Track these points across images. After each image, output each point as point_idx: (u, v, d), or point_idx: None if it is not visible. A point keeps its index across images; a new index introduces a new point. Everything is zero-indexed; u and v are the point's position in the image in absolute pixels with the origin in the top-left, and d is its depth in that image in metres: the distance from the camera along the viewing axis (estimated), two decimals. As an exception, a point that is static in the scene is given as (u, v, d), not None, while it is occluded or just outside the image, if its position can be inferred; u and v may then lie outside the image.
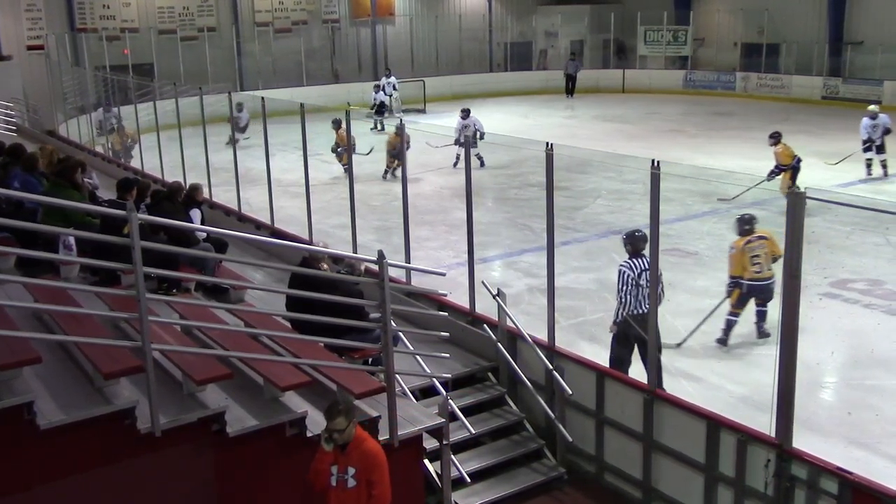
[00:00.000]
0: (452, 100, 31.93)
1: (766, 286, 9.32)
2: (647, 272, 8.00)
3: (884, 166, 17.92)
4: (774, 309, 8.58)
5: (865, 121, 17.92)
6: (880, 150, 17.87)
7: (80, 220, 8.53)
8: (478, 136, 18.85)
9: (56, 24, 28.15)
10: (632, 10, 35.87)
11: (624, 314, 8.25)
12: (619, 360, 8.28)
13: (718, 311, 9.72)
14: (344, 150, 17.66)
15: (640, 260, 8.21)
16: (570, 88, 34.33)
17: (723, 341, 9.56)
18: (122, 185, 9.24)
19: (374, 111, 27.26)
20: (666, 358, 7.70)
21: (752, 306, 9.62)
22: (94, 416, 5.43)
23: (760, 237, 9.44)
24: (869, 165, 17.99)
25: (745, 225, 9.59)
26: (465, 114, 20.22)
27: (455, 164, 18.90)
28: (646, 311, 8.05)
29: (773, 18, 32.30)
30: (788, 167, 15.62)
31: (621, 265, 8.28)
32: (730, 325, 9.59)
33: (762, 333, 9.55)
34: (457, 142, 18.49)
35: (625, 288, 8.21)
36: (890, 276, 11.44)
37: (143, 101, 18.28)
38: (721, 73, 33.79)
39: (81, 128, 21.67)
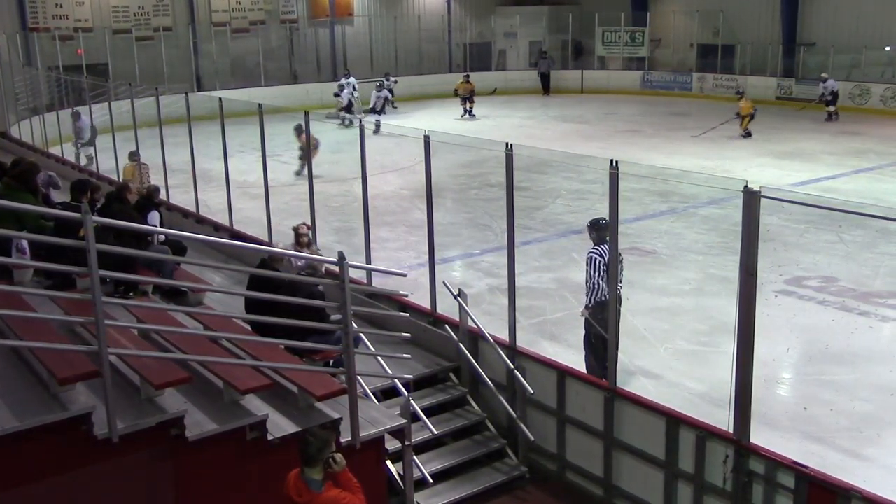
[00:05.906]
0: (412, 100, 31.94)
1: None
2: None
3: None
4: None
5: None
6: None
7: (34, 224, 8.38)
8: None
9: (7, 24, 27.58)
10: (589, 11, 36.17)
11: (595, 299, 8.21)
12: (594, 361, 8.20)
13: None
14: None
15: (605, 247, 8.19)
16: (546, 87, 34.84)
17: None
18: (77, 187, 9.09)
19: (340, 110, 27.43)
20: (625, 356, 7.76)
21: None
22: (50, 422, 5.33)
23: None
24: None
25: None
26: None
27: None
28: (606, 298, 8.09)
29: (728, 20, 32.80)
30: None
31: (591, 252, 8.24)
32: None
33: None
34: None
35: (596, 274, 8.18)
36: (843, 273, 11.67)
37: (98, 102, 18.02)
38: (678, 74, 34.19)
39: (34, 129, 21.29)
